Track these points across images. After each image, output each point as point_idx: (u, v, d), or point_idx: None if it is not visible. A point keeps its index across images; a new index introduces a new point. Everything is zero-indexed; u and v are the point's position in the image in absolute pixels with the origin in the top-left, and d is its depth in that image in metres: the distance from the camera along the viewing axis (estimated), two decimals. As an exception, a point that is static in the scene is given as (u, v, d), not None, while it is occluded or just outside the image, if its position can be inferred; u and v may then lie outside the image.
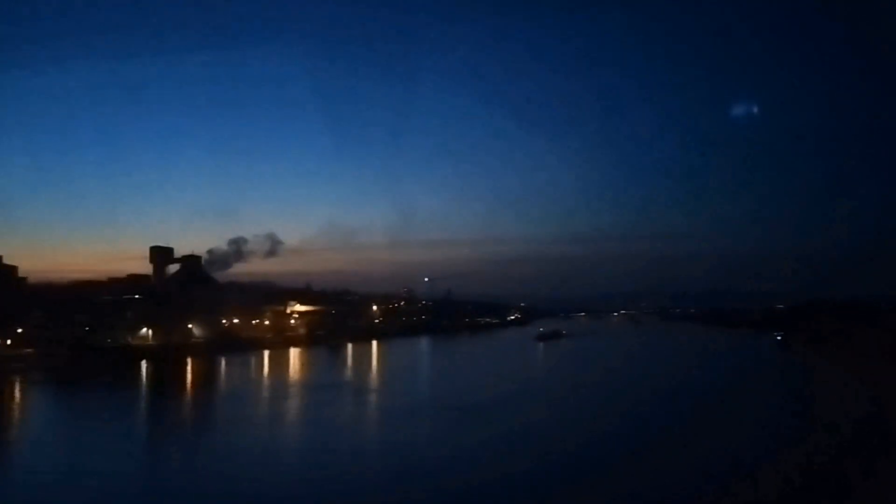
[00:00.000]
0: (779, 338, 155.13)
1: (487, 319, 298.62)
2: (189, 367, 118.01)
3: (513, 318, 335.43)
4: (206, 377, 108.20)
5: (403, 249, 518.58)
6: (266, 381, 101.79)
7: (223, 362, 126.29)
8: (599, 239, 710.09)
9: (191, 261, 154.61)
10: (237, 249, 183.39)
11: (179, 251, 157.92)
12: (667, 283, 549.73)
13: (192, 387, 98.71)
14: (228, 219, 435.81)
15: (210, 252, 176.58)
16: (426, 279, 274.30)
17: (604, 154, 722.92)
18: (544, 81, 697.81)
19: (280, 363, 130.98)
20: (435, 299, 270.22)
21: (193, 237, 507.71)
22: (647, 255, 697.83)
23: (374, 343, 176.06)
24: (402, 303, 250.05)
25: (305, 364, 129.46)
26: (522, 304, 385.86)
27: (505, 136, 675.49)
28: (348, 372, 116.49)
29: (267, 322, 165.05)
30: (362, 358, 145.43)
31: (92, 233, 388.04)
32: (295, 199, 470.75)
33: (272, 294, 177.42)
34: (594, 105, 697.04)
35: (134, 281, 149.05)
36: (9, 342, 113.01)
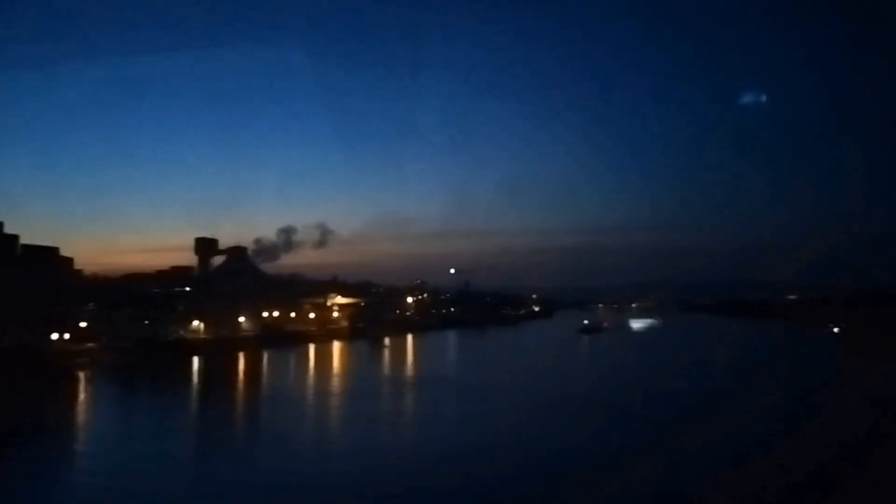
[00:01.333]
0: (836, 331, 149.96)
1: (509, 311, 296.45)
2: (253, 362, 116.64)
3: (533, 310, 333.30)
4: (278, 372, 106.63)
5: (410, 241, 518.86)
6: (347, 377, 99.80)
7: (284, 356, 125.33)
8: (611, 230, 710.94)
9: (236, 252, 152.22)
10: (287, 239, 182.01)
11: (225, 243, 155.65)
12: (681, 274, 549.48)
13: (272, 382, 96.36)
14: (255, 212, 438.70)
15: (257, 241, 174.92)
16: (452, 270, 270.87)
17: (617, 146, 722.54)
18: (561, 77, 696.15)
19: (340, 357, 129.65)
20: (452, 291, 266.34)
21: (240, 228, 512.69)
22: (658, 245, 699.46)
23: (413, 336, 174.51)
24: (424, 295, 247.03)
25: (366, 358, 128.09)
26: (534, 296, 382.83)
27: (514, 129, 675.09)
28: (421, 366, 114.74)
29: (311, 315, 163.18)
30: (417, 351, 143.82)
31: (134, 224, 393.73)
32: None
33: (307, 286, 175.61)
34: (607, 98, 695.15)
35: (179, 273, 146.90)
36: (66, 336, 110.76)
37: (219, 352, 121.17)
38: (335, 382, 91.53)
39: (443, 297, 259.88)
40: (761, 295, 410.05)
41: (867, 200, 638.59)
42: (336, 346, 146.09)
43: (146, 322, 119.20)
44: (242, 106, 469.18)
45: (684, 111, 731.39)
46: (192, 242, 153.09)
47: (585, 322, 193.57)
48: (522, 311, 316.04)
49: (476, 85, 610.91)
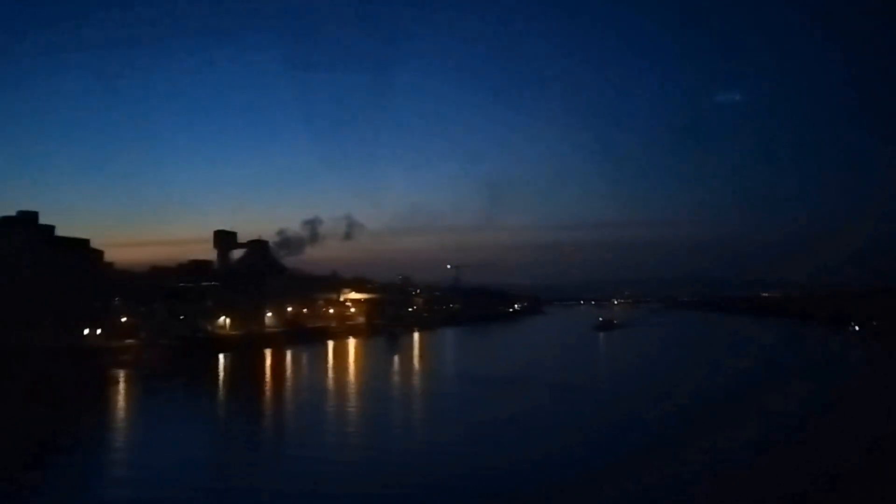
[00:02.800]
0: (857, 329, 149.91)
1: (504, 308, 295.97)
2: (290, 361, 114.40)
3: (524, 306, 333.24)
4: (322, 372, 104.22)
5: (395, 237, 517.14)
6: (391, 374, 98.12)
7: (317, 354, 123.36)
8: (592, 227, 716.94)
9: (257, 246, 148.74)
10: (312, 231, 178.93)
11: (245, 236, 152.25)
12: (662, 271, 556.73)
13: (321, 383, 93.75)
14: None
15: (280, 233, 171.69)
16: (448, 266, 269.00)
17: (600, 144, 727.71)
18: (546, 76, 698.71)
19: (371, 355, 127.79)
20: (442, 287, 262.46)
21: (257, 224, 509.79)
22: (638, 242, 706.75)
23: (427, 333, 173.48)
24: (418, 291, 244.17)
25: (399, 356, 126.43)
26: (511, 293, 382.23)
27: (497, 127, 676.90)
28: (456, 362, 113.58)
29: (331, 310, 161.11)
30: (442, 348, 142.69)
31: (152, 217, 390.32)
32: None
33: (317, 281, 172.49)
34: (592, 96, 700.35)
35: (199, 266, 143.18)
36: (98, 332, 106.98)
37: (252, 349, 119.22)
38: (384, 382, 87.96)
39: (437, 293, 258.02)
40: (740, 291, 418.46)
41: (847, 199, 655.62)
42: (361, 344, 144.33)
43: (182, 318, 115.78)
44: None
45: (668, 107, 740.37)
46: (208, 235, 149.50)
47: (600, 319, 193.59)
48: (517, 307, 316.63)
49: (457, 83, 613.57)
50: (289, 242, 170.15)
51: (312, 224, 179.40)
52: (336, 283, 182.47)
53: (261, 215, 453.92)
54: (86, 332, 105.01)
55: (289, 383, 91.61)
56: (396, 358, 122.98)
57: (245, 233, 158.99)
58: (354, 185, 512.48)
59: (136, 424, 58.77)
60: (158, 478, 38.60)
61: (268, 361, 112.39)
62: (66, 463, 43.24)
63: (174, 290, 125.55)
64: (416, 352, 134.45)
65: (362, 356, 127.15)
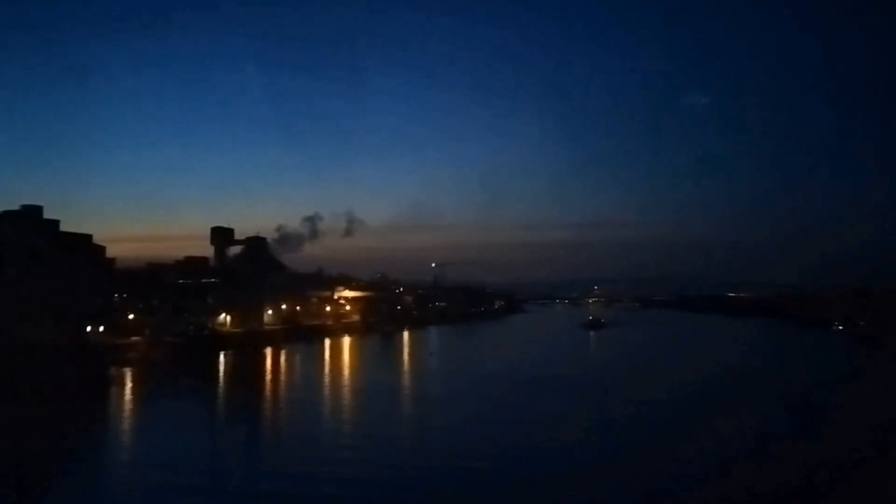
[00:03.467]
0: (840, 328, 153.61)
1: (485, 306, 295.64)
2: (295, 359, 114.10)
3: (503, 305, 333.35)
4: (328, 369, 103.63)
5: (374, 236, 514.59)
6: (400, 374, 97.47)
7: (319, 352, 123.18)
8: (562, 226, 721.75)
9: (255, 243, 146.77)
10: (312, 228, 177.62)
11: (243, 233, 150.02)
12: (631, 271, 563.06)
13: (332, 380, 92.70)
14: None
15: (279, 228, 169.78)
16: (433, 265, 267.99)
17: (575, 143, 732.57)
18: (523, 74, 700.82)
19: (373, 353, 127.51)
20: (422, 285, 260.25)
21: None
22: (608, 242, 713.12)
23: (419, 331, 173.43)
24: (401, 289, 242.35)
25: (406, 353, 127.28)
26: (488, 291, 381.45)
27: (474, 126, 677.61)
28: (467, 361, 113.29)
29: (328, 308, 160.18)
30: (445, 346, 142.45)
31: (147, 213, 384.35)
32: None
33: (304, 278, 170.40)
34: (564, 96, 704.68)
35: (196, 263, 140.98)
36: (101, 329, 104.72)
37: (255, 347, 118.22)
38: (393, 380, 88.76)
39: (420, 291, 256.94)
40: (708, 291, 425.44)
41: (819, 202, 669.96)
42: (358, 342, 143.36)
43: (185, 315, 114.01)
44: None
45: (641, 108, 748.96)
46: (200, 231, 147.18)
47: (591, 318, 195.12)
48: (496, 306, 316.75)
49: (432, 84, 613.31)
50: (288, 239, 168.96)
51: (312, 220, 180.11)
52: (322, 280, 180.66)
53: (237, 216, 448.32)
54: (86, 328, 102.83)
55: (303, 381, 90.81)
56: (404, 355, 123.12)
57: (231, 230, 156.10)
58: (328, 185, 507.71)
59: (158, 424, 57.51)
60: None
61: (275, 359, 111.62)
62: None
63: (175, 287, 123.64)
64: (419, 350, 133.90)
65: (365, 354, 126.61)
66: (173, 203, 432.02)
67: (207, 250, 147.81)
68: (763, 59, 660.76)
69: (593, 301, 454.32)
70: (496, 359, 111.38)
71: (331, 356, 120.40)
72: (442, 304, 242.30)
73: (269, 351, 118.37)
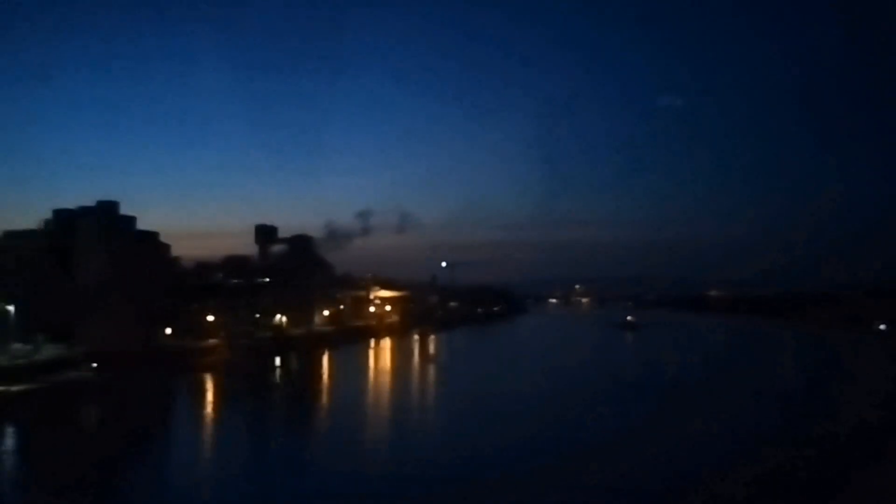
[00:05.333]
0: (882, 328, 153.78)
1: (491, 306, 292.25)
2: (367, 359, 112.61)
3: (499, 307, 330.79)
4: (409, 369, 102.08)
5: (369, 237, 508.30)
6: (478, 371, 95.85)
7: (381, 352, 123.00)
8: (543, 227, 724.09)
9: (300, 241, 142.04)
10: (364, 224, 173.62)
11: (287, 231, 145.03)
12: (613, 270, 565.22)
13: (419, 381, 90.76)
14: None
15: (328, 225, 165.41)
16: (444, 264, 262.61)
17: (551, 146, 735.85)
18: (500, 76, 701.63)
19: (434, 352, 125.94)
20: (420, 285, 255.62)
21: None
22: (588, 242, 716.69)
23: (453, 331, 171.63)
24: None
25: (464, 353, 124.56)
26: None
27: (449, 128, 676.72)
28: (532, 358, 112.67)
29: (371, 308, 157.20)
30: (494, 346, 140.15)
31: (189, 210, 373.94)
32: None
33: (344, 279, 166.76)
34: (544, 98, 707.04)
35: (239, 262, 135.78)
36: (168, 331, 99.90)
37: (317, 349, 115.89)
38: (483, 376, 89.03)
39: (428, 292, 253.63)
40: (689, 290, 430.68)
41: (796, 203, 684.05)
42: (409, 343, 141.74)
43: (258, 316, 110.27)
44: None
45: (621, 110, 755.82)
46: (241, 228, 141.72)
47: (629, 318, 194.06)
48: (497, 307, 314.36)
49: (403, 86, 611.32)
50: (336, 235, 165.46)
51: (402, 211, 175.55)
52: (354, 280, 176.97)
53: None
54: (158, 331, 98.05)
55: (399, 382, 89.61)
56: (476, 356, 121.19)
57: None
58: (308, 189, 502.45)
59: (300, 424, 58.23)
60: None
61: (349, 361, 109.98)
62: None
63: (229, 287, 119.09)
64: (478, 352, 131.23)
65: (430, 354, 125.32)
66: (212, 200, 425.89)
67: (244, 248, 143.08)
68: (747, 57, 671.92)
69: (586, 301, 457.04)
70: (560, 359, 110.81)
71: (401, 357, 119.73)
72: (453, 304, 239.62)
73: (335, 352, 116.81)
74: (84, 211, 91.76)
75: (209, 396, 74.68)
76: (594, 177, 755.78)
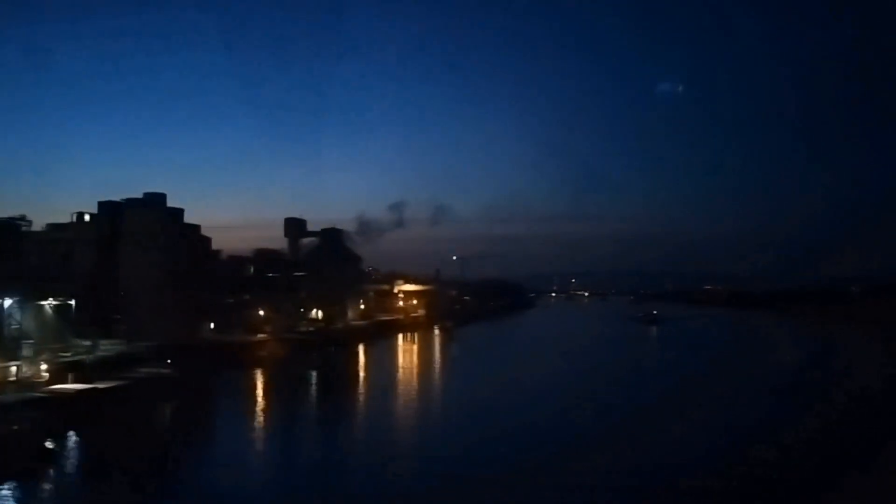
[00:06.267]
0: None
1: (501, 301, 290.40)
2: (413, 352, 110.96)
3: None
4: (456, 360, 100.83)
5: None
6: (536, 363, 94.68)
7: (423, 344, 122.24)
8: (534, 220, 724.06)
9: (331, 234, 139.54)
10: (398, 216, 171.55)
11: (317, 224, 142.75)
12: (603, 264, 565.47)
13: (472, 372, 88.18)
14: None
15: (360, 217, 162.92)
16: (454, 258, 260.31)
17: (546, 138, 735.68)
18: (496, 68, 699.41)
19: (471, 344, 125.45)
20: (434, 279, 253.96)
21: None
22: (577, 236, 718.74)
23: (472, 325, 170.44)
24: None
25: (505, 347, 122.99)
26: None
27: (447, 119, 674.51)
28: (574, 353, 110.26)
29: (401, 303, 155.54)
30: (528, 340, 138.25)
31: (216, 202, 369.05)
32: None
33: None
34: (541, 92, 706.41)
35: (268, 255, 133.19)
36: (212, 325, 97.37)
37: (356, 342, 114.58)
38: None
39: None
40: (684, 284, 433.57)
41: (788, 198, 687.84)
42: (437, 336, 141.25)
43: (303, 310, 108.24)
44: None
45: (616, 103, 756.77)
46: (269, 220, 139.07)
47: (654, 312, 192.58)
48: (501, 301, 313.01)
49: (401, 75, 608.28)
50: (369, 228, 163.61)
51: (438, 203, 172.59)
52: (378, 274, 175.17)
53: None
54: (203, 326, 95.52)
55: (458, 371, 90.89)
56: (513, 350, 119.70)
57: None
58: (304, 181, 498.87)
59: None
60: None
61: (406, 353, 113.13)
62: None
63: (264, 280, 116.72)
64: (510, 346, 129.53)
65: (466, 347, 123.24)
66: (239, 192, 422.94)
67: (272, 241, 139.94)
68: (746, 51, 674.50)
69: (588, 295, 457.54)
70: (597, 353, 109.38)
71: (446, 349, 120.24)
72: (467, 298, 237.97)
73: (379, 346, 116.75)
74: (131, 203, 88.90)
75: (292, 389, 73.18)
76: (588, 173, 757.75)
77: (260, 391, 73.55)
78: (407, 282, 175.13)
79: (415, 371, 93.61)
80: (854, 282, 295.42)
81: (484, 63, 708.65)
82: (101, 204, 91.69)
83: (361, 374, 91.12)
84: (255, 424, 54.67)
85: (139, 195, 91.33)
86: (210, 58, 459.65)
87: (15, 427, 39.04)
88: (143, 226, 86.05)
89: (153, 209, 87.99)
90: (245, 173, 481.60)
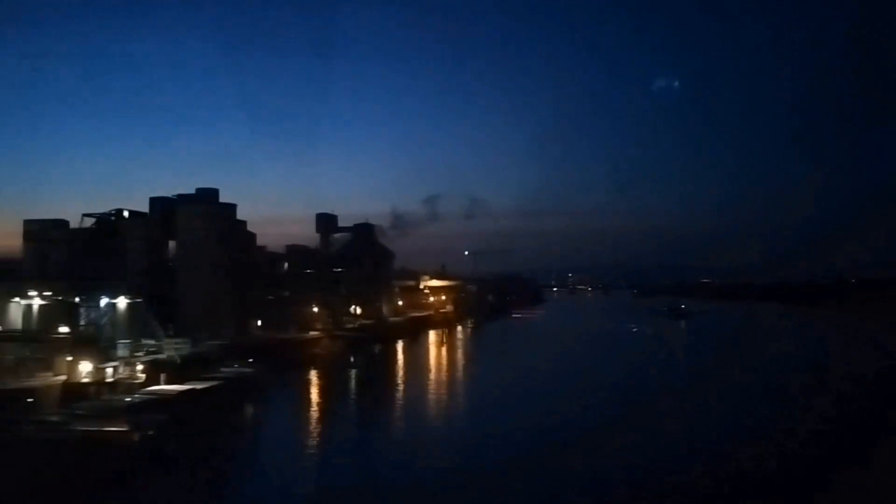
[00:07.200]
0: None
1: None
2: (460, 344, 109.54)
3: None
4: (508, 355, 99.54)
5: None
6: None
7: (467, 339, 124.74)
8: (532, 216, 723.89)
9: (362, 229, 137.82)
10: (431, 210, 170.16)
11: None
12: (595, 258, 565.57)
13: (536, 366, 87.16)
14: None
15: (394, 211, 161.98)
16: (466, 253, 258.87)
17: (553, 134, 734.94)
18: (493, 64, 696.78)
19: (512, 338, 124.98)
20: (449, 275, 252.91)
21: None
22: (572, 231, 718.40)
23: (494, 322, 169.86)
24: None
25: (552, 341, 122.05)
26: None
27: (443, 115, 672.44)
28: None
29: (431, 299, 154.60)
30: (556, 332, 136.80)
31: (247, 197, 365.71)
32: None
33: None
34: (541, 89, 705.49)
35: (300, 250, 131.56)
36: (259, 323, 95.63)
37: (398, 338, 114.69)
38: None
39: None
40: (686, 279, 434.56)
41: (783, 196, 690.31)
42: (473, 332, 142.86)
43: (352, 308, 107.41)
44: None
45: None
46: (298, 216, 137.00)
47: (682, 306, 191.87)
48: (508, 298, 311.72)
49: (398, 71, 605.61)
50: (403, 222, 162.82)
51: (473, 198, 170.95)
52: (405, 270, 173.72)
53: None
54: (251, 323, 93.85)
55: (513, 362, 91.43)
56: (548, 343, 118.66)
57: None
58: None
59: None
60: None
61: (454, 347, 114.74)
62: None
63: (306, 277, 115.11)
64: (552, 339, 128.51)
65: (513, 342, 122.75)
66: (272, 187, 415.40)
67: (303, 237, 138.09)
68: (748, 47, 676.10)
69: (591, 290, 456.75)
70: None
71: (489, 343, 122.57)
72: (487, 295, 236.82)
73: (424, 341, 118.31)
74: (183, 198, 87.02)
75: (373, 384, 74.11)
76: (581, 169, 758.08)
77: (347, 388, 73.13)
78: (432, 278, 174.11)
79: (475, 364, 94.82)
80: (849, 275, 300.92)
81: (481, 60, 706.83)
82: (152, 200, 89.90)
83: (431, 367, 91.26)
84: (367, 419, 55.00)
85: (173, 193, 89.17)
86: (240, 56, 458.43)
87: (150, 432, 37.82)
88: (201, 222, 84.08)
89: (210, 205, 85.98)
90: (290, 171, 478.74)
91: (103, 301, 54.24)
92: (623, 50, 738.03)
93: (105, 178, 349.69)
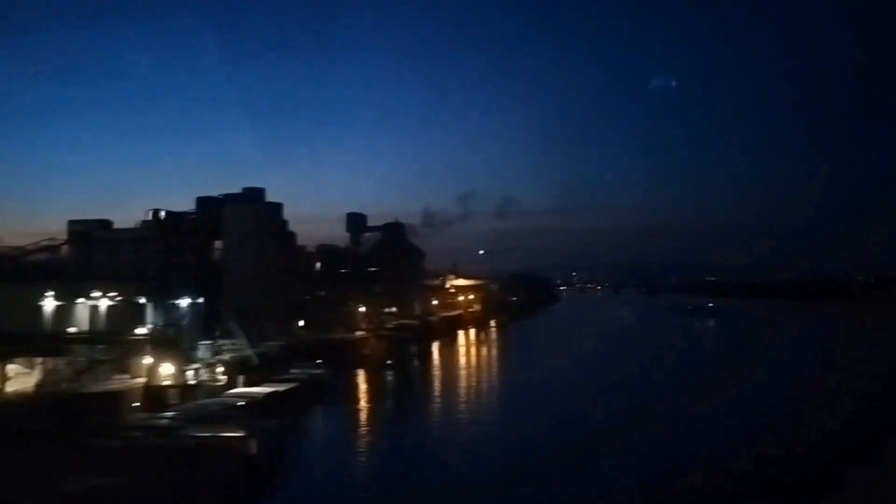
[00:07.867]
0: None
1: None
2: (508, 345, 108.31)
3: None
4: (556, 356, 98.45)
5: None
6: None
7: (504, 340, 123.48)
8: (535, 213, 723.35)
9: (392, 228, 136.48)
10: (464, 208, 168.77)
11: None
12: (600, 257, 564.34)
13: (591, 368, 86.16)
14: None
15: (426, 209, 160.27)
16: (481, 252, 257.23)
17: (552, 132, 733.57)
18: (491, 62, 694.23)
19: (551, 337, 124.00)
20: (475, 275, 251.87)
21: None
22: (578, 229, 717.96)
23: (522, 321, 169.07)
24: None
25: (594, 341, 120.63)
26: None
27: (442, 112, 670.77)
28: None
29: (460, 298, 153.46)
30: (609, 335, 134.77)
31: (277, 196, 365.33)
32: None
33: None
34: (538, 87, 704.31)
35: (331, 250, 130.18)
36: (301, 323, 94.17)
37: (437, 338, 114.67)
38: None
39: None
40: (689, 276, 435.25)
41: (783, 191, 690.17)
42: (504, 331, 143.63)
43: (394, 308, 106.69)
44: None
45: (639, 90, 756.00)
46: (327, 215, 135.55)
47: (710, 305, 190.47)
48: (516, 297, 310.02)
49: (397, 69, 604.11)
50: (434, 220, 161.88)
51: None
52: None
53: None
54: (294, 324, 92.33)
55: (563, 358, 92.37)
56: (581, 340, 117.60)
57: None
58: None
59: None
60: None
61: (497, 344, 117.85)
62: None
63: (342, 277, 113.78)
64: (586, 336, 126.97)
65: (546, 339, 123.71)
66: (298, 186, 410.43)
67: (332, 237, 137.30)
68: (753, 43, 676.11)
69: (601, 288, 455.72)
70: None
71: (527, 340, 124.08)
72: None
73: (464, 340, 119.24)
74: (231, 198, 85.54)
75: (434, 381, 75.90)
76: (581, 167, 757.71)
77: (412, 387, 73.20)
78: (458, 277, 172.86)
79: (520, 360, 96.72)
80: (855, 272, 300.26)
81: (479, 60, 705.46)
82: (199, 199, 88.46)
83: (483, 365, 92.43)
84: (445, 416, 55.14)
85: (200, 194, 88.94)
86: (269, 55, 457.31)
87: (266, 438, 36.29)
88: (251, 221, 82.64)
89: (259, 205, 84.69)
90: (316, 170, 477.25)
91: (184, 301, 52.66)
92: (627, 50, 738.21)
93: (142, 182, 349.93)
